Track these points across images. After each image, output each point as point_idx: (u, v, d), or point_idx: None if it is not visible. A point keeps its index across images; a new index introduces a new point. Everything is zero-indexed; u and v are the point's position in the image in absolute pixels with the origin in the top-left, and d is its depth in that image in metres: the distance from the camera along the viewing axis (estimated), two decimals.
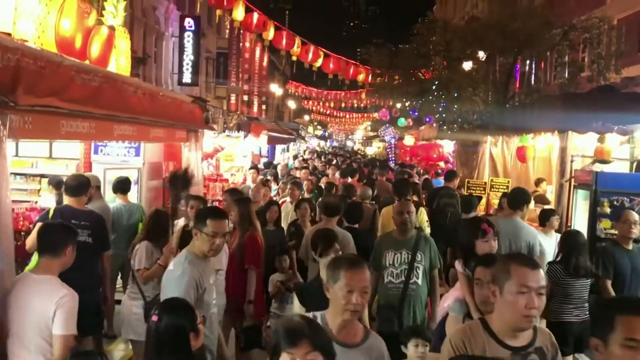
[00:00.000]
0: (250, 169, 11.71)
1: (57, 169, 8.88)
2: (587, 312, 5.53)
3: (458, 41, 15.53)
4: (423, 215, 7.71)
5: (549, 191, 9.35)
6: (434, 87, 16.61)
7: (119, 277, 7.10)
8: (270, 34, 16.02)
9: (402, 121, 24.78)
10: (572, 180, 7.98)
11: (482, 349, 2.61)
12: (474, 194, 10.19)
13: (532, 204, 8.66)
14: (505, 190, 11.27)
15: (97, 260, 5.48)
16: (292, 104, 49.34)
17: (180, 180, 4.94)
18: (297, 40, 17.01)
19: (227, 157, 13.65)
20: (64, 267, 3.58)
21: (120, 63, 7.15)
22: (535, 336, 2.65)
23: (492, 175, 12.66)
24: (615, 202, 7.06)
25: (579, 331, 5.37)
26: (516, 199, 6.34)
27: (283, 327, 2.17)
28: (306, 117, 56.53)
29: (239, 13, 14.59)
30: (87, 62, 5.98)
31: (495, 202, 10.99)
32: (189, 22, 21.03)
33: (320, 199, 9.83)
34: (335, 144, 70.75)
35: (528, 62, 15.58)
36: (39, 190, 8.99)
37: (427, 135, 17.85)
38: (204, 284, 3.81)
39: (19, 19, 5.11)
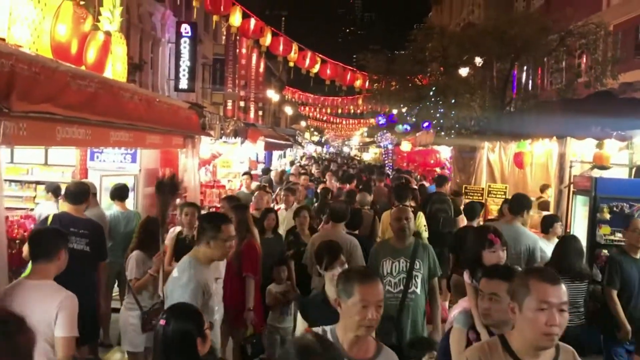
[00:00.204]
0: (243, 174, 11.63)
1: (53, 175, 8.82)
2: (583, 317, 5.49)
3: (455, 47, 15.53)
4: (421, 220, 7.71)
5: (550, 197, 9.31)
6: (431, 94, 16.60)
7: (115, 285, 7.02)
8: (267, 39, 15.99)
9: (400, 128, 24.71)
10: (571, 186, 7.95)
11: None
12: (471, 200, 10.15)
13: (535, 210, 8.73)
14: (503, 196, 11.29)
15: (94, 269, 5.42)
16: (288, 110, 49.35)
17: (167, 186, 4.86)
18: (294, 46, 16.99)
19: (223, 163, 13.60)
20: (59, 270, 3.58)
21: (116, 69, 7.11)
22: (557, 355, 2.52)
23: (490, 181, 12.63)
24: (614, 208, 7.03)
25: (573, 336, 5.31)
26: (517, 204, 6.36)
27: (295, 346, 2.13)
28: (303, 123, 56.57)
29: (236, 19, 14.55)
30: (83, 67, 5.94)
31: (492, 208, 10.98)
32: (185, 28, 21.02)
33: (315, 205, 9.83)
34: (331, 149, 70.82)
35: (525, 67, 15.56)
36: (34, 197, 8.94)
37: (424, 141, 17.83)
38: (209, 289, 3.82)
39: (14, 24, 5.06)
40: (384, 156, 29.80)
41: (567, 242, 5.73)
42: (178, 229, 6.35)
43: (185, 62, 20.92)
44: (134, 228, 6.88)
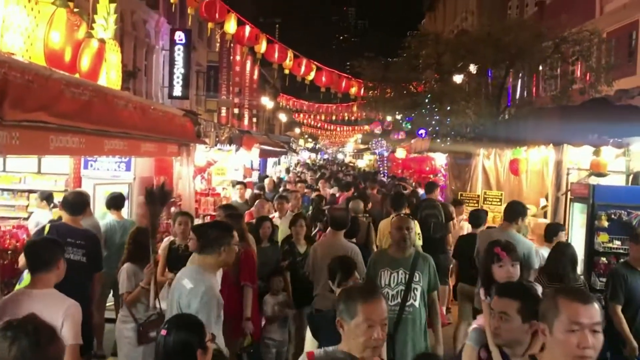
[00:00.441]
0: (237, 184, 11.51)
1: (46, 184, 8.75)
2: None
3: (450, 54, 15.56)
4: (416, 228, 7.64)
5: (541, 205, 9.29)
6: (426, 101, 16.61)
7: (110, 294, 6.93)
8: (262, 47, 15.96)
9: (405, 127, 24.49)
10: (569, 193, 7.91)
11: None
12: (477, 208, 10.14)
13: (541, 219, 8.73)
14: (499, 204, 11.27)
15: (91, 279, 5.34)
16: (282, 117, 49.32)
17: (157, 196, 4.79)
18: (290, 54, 16.97)
19: (218, 171, 13.52)
20: (59, 279, 3.61)
21: (110, 77, 7.04)
22: None
23: (485, 188, 12.61)
24: (613, 216, 7.00)
25: None
26: (511, 212, 6.41)
27: None
28: (297, 130, 56.53)
29: (230, 26, 14.53)
30: (76, 75, 5.87)
31: (488, 215, 10.94)
32: (179, 36, 21.01)
33: (309, 213, 9.76)
34: (325, 156, 70.81)
35: (521, 74, 15.58)
36: (26, 206, 8.85)
37: (419, 148, 17.81)
38: (221, 298, 3.83)
39: (7, 31, 4.98)
40: (378, 163, 29.78)
41: (559, 249, 5.67)
42: (171, 238, 6.28)
43: (179, 70, 20.91)
44: None
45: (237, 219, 5.91)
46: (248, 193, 11.06)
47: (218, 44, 25.57)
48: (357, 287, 2.95)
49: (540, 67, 15.59)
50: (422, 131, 19.07)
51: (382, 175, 25.35)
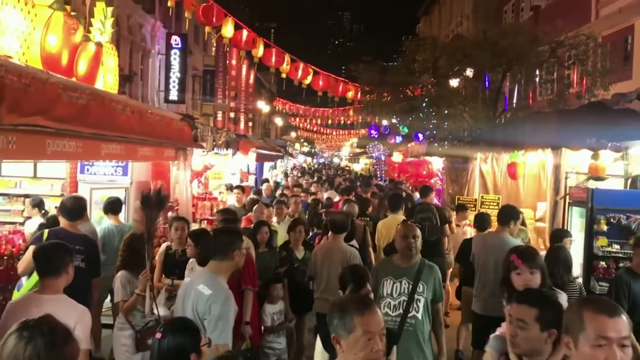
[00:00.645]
0: (235, 187, 11.46)
1: (42, 188, 8.68)
2: None
3: (446, 58, 15.58)
4: None
5: (542, 209, 9.27)
6: (423, 105, 16.63)
7: (108, 299, 6.87)
8: (259, 51, 15.94)
9: (402, 131, 24.39)
10: (567, 197, 7.89)
11: None
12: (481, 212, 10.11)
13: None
14: (496, 207, 11.24)
15: (89, 285, 5.29)
16: (278, 121, 49.29)
17: (154, 201, 4.74)
18: (287, 58, 16.95)
19: (215, 175, 13.46)
20: (67, 283, 3.64)
21: (107, 80, 6.99)
22: None
23: (482, 192, 12.59)
24: (612, 220, 6.99)
25: None
26: (504, 215, 6.44)
27: None
28: (293, 134, 56.52)
29: (228, 30, 14.51)
30: (73, 79, 5.81)
31: None
32: (175, 40, 20.98)
33: (307, 216, 9.73)
34: (322, 160, 70.78)
35: (519, 77, 15.61)
36: (22, 210, 8.78)
37: (416, 152, 17.80)
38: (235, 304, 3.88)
39: (3, 35, 4.92)
40: (375, 167, 29.77)
41: (552, 252, 5.64)
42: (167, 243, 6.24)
43: (175, 74, 20.88)
44: None
45: (232, 224, 5.89)
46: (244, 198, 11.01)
47: (214, 48, 25.54)
48: (349, 300, 2.78)
49: (537, 71, 15.64)
50: (419, 135, 19.07)
51: (379, 179, 25.33)
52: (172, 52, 20.86)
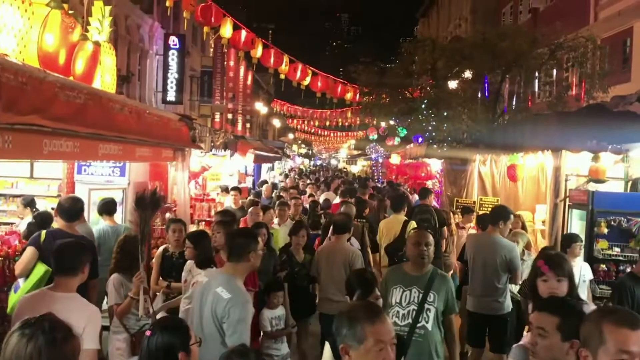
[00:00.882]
0: (232, 189, 11.39)
1: (39, 189, 8.61)
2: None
3: (446, 60, 15.56)
4: (412, 227, 7.83)
5: (542, 210, 9.23)
6: (422, 106, 16.60)
7: (104, 301, 6.80)
8: (258, 51, 15.89)
9: (401, 133, 24.32)
10: (567, 199, 7.86)
11: None
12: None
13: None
14: None
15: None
16: (276, 123, 49.22)
17: (148, 201, 4.68)
18: (285, 58, 16.90)
19: (213, 176, 13.39)
20: (81, 282, 3.71)
21: (105, 80, 6.92)
22: None
23: (481, 194, 12.56)
24: (612, 223, 6.96)
25: None
26: (494, 215, 6.62)
27: None
28: (290, 136, 56.46)
29: (226, 30, 14.46)
30: (71, 78, 5.74)
31: None
32: (173, 40, 20.94)
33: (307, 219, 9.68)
34: (319, 162, 70.74)
35: (518, 79, 15.61)
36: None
37: (415, 154, 17.76)
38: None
39: (0, 33, 4.86)
40: (373, 169, 29.73)
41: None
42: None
43: (173, 74, 20.83)
44: None
45: (230, 225, 5.85)
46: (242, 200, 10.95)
47: (212, 49, 25.49)
48: (359, 308, 2.64)
49: (536, 73, 15.63)
50: (420, 139, 19.06)
51: (376, 181, 25.28)
52: (170, 52, 20.82)
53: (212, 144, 10.14)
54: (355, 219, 8.25)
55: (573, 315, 2.72)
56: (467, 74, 15.34)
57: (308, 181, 20.78)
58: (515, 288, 6.52)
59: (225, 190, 11.84)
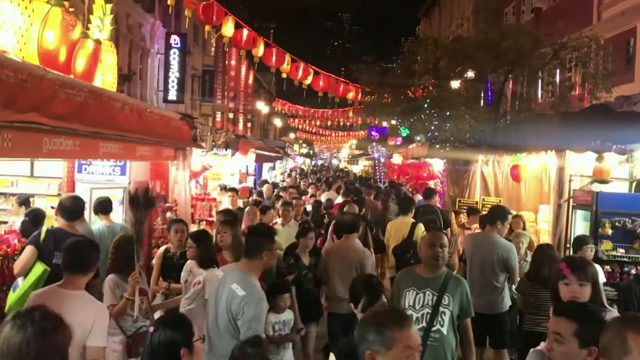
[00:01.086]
0: (229, 190, 11.33)
1: (39, 188, 8.55)
2: None
3: (448, 59, 15.51)
4: (420, 230, 7.90)
5: (546, 211, 9.17)
6: (425, 106, 16.54)
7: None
8: (260, 50, 15.84)
9: (405, 131, 24.12)
10: (571, 200, 7.81)
11: None
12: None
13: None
14: None
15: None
16: (277, 122, 49.18)
17: (141, 200, 4.62)
18: (287, 57, 16.84)
19: (213, 175, 13.35)
20: (88, 280, 3.74)
21: (106, 78, 6.87)
22: None
23: (484, 195, 12.49)
24: (617, 223, 6.92)
25: None
26: (492, 215, 6.69)
27: None
28: (292, 135, 56.42)
29: (228, 29, 14.41)
30: (71, 76, 5.69)
31: None
32: (174, 39, 20.92)
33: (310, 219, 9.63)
34: (320, 162, 70.70)
35: (521, 79, 15.55)
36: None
37: (416, 154, 17.71)
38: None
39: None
40: (375, 169, 29.68)
41: (540, 250, 5.78)
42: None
43: (174, 73, 20.81)
44: None
45: (234, 225, 5.81)
46: (241, 202, 10.91)
47: (213, 48, 25.45)
48: (386, 313, 2.55)
49: (539, 73, 15.57)
50: (423, 138, 18.99)
51: (378, 181, 25.23)
52: (172, 51, 20.80)
53: (213, 143, 10.10)
54: None
55: (592, 321, 2.63)
56: (470, 74, 15.28)
57: (310, 181, 20.75)
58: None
59: (225, 189, 11.80)
